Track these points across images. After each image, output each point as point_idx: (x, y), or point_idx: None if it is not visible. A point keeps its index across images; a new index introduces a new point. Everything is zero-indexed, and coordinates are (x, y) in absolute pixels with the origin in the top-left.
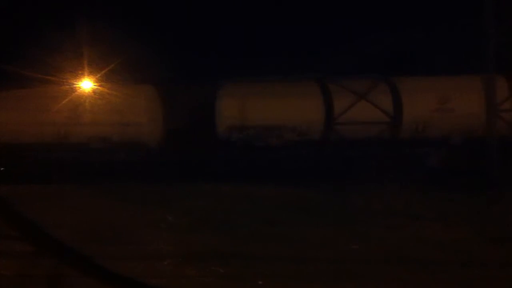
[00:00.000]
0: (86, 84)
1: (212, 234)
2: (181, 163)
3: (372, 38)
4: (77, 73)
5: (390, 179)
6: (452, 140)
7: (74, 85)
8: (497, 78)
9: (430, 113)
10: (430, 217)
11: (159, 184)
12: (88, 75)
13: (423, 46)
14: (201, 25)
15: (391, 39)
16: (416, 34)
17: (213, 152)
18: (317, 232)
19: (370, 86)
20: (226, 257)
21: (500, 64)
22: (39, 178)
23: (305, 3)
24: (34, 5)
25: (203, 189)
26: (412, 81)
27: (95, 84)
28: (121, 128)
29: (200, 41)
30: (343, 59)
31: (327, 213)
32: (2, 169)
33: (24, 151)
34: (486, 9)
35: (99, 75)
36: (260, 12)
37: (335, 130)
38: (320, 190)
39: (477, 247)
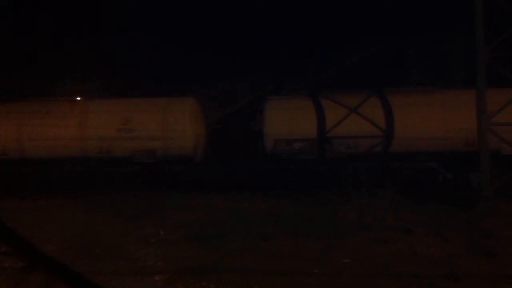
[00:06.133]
0: None
1: None
2: None
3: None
4: None
5: (381, 193)
6: None
7: None
8: None
9: None
10: (421, 231)
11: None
12: None
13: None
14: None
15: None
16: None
17: None
18: (309, 246)
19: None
20: None
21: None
22: (28, 193)
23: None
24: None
25: None
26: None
27: None
28: None
29: None
30: None
31: (318, 227)
32: None
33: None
34: (477, 23)
35: None
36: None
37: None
38: (309, 204)
39: (468, 261)
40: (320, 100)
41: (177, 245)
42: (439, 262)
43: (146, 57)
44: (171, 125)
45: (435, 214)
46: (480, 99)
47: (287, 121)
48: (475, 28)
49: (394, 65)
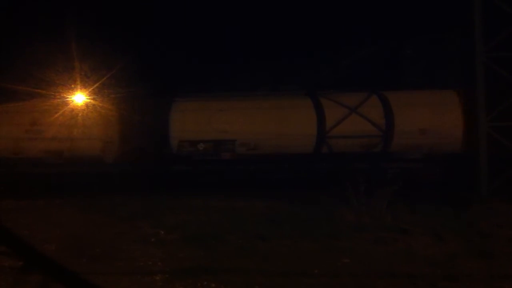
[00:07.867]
0: None
1: None
2: None
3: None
4: None
5: (378, 193)
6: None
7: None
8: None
9: None
10: (419, 231)
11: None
12: None
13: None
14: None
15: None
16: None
17: None
18: (307, 246)
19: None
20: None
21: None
22: (26, 193)
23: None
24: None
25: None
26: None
27: None
28: None
29: None
30: None
31: (316, 228)
32: None
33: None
34: (476, 23)
35: None
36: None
37: None
38: (306, 204)
39: (465, 261)
40: (320, 100)
41: (175, 245)
42: (436, 262)
43: (145, 58)
44: (78, 125)
45: (432, 215)
46: (479, 99)
47: (191, 122)
48: (473, 28)
49: (391, 66)
